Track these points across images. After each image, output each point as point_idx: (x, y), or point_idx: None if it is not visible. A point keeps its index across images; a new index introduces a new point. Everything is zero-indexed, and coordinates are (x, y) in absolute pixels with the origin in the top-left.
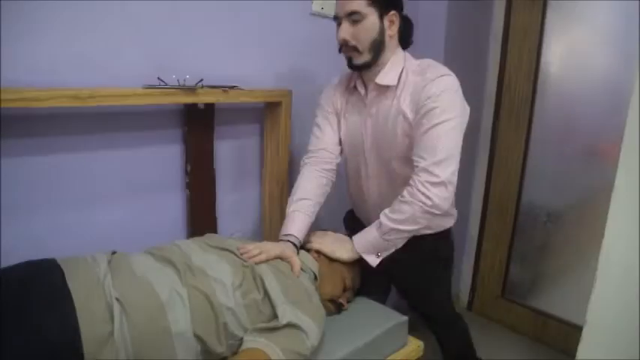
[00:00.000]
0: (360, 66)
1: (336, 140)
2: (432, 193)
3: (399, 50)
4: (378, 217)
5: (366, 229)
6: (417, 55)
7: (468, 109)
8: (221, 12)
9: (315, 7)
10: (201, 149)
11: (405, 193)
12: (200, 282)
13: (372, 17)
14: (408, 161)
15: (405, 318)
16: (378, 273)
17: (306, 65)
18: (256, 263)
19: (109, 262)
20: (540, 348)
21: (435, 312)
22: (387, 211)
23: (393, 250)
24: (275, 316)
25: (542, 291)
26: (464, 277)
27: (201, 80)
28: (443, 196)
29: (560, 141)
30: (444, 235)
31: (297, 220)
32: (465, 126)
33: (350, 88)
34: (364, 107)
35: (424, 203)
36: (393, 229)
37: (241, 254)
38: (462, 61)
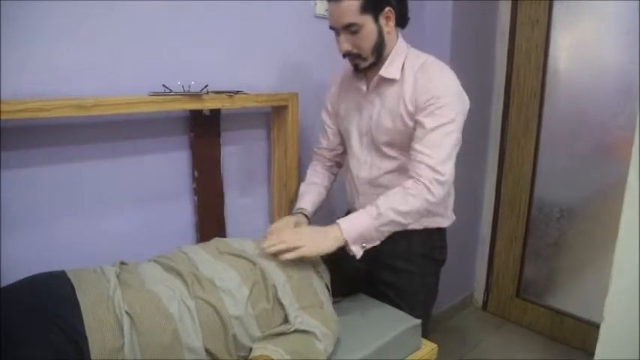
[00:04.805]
0: (367, 69)
1: (336, 141)
2: (436, 191)
3: (400, 42)
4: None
5: (356, 216)
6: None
7: (467, 102)
8: (224, 17)
9: (319, 9)
10: (208, 155)
11: (409, 185)
12: (209, 294)
13: (368, 24)
14: (396, 145)
15: (419, 321)
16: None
17: (312, 67)
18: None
19: (118, 274)
20: (557, 347)
21: (413, 313)
22: (386, 201)
23: (377, 242)
24: (285, 322)
25: (557, 289)
26: (478, 277)
27: (206, 86)
28: (443, 193)
29: (571, 136)
30: (439, 233)
31: (309, 197)
32: (464, 118)
33: (348, 84)
34: (363, 97)
35: (428, 200)
36: (393, 221)
37: (265, 250)
38: (470, 57)
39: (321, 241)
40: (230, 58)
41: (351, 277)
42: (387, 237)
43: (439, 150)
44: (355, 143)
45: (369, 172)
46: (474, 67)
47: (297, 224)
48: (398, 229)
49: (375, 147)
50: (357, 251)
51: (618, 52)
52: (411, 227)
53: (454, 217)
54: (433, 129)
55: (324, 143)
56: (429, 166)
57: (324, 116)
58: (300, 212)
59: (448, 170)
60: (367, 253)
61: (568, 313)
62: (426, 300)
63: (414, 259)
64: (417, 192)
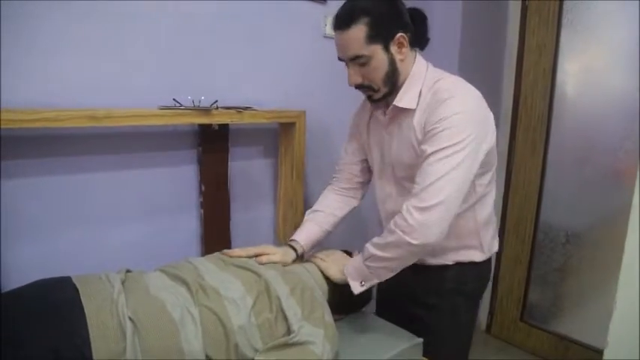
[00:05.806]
0: (381, 100)
1: (357, 160)
2: (412, 219)
3: (418, 65)
4: None
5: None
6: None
7: (490, 125)
8: (236, 34)
9: (329, 29)
10: (216, 170)
11: (391, 222)
12: (213, 302)
13: (377, 54)
14: (413, 180)
15: (420, 340)
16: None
17: (320, 86)
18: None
19: (123, 281)
20: None
21: (445, 351)
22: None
23: (376, 281)
24: (288, 333)
25: (563, 314)
26: (482, 300)
27: (216, 101)
28: (425, 222)
29: (578, 160)
30: (473, 267)
31: (306, 228)
32: (489, 138)
33: (372, 111)
34: (384, 128)
35: (404, 230)
36: (373, 255)
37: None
38: (477, 81)
39: (332, 265)
40: (240, 75)
41: (356, 295)
42: (420, 271)
43: (428, 175)
44: (378, 175)
45: (394, 205)
46: (481, 90)
47: (284, 254)
48: (386, 264)
49: (396, 180)
50: (355, 287)
51: (625, 77)
52: (442, 262)
53: (494, 251)
54: (430, 154)
55: (344, 158)
56: (413, 195)
57: (348, 136)
58: (290, 244)
59: (431, 195)
60: (399, 287)
61: (573, 339)
62: (457, 338)
63: (444, 294)
64: (393, 227)
